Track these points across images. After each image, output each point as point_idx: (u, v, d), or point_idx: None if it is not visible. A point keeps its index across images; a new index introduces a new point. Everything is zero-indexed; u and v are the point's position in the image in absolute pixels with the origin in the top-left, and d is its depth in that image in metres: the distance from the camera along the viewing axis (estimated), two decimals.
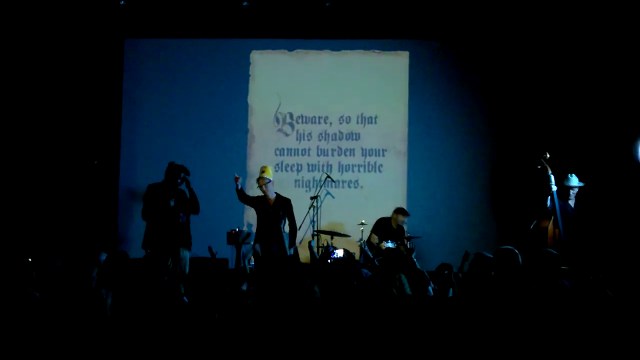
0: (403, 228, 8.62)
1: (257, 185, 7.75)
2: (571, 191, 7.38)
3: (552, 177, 7.11)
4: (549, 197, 7.09)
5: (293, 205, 7.67)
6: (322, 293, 3.98)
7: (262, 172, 7.63)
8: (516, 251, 4.51)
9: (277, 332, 3.76)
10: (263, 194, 7.63)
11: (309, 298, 3.81)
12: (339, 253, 7.52)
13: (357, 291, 4.09)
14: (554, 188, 7.07)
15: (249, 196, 7.82)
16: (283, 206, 7.57)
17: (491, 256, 4.76)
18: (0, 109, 8.92)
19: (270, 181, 7.57)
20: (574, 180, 7.40)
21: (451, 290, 5.01)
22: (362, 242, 8.33)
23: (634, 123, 8.07)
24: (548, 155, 7.24)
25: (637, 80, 8.19)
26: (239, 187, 7.61)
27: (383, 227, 8.50)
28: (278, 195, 7.68)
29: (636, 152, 7.81)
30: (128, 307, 3.87)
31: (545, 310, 3.94)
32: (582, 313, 4.04)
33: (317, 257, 7.62)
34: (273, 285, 4.30)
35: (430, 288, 5.26)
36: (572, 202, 7.41)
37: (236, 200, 8.95)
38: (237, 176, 7.62)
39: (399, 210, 8.59)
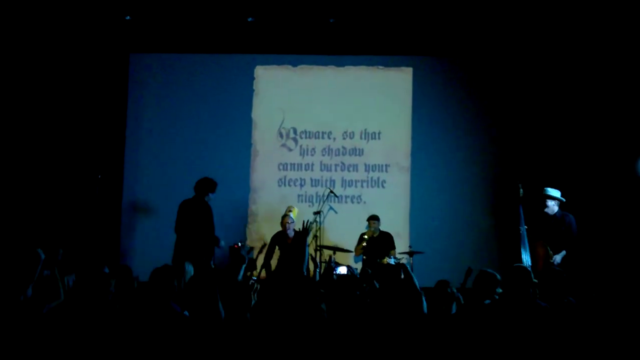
0: (389, 234, 8.57)
1: (281, 221, 8.25)
2: (548, 201, 7.40)
3: (523, 216, 7.24)
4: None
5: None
6: (328, 310, 3.98)
7: (289, 211, 8.27)
8: (529, 269, 4.50)
9: (279, 347, 3.75)
10: (282, 230, 8.21)
11: (316, 316, 3.81)
12: (342, 270, 7.52)
13: (363, 308, 4.08)
14: (524, 230, 7.18)
15: (270, 246, 8.24)
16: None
17: (494, 273, 4.77)
18: (5, 121, 8.96)
19: (293, 222, 8.17)
20: (554, 191, 7.45)
21: (454, 306, 4.99)
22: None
23: (636, 140, 8.11)
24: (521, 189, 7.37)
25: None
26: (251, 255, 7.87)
27: (367, 242, 8.47)
28: (296, 232, 7.95)
29: (638, 168, 7.85)
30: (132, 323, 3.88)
31: (553, 328, 3.93)
32: (587, 330, 4.04)
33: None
34: (277, 301, 4.28)
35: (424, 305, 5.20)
36: (550, 210, 7.42)
37: (239, 215, 9.01)
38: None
39: (369, 218, 8.59)
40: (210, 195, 7.58)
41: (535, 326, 3.95)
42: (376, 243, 8.43)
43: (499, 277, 4.75)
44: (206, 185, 7.55)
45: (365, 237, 8.46)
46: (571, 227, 7.37)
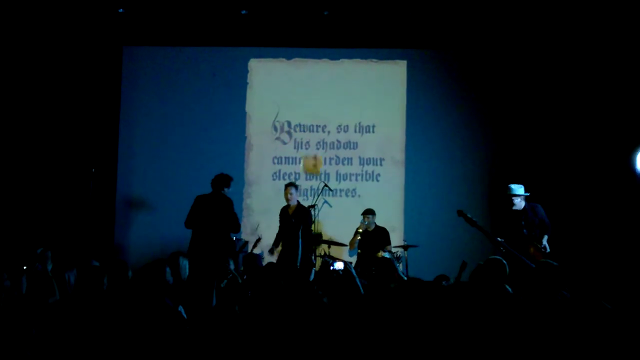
0: (384, 229, 8.56)
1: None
2: (514, 199, 7.45)
3: (490, 231, 7.14)
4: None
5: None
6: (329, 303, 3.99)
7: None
8: (504, 261, 4.52)
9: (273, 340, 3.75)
10: (286, 203, 8.14)
11: (318, 309, 3.81)
12: (339, 265, 7.50)
13: (359, 301, 4.09)
14: (503, 242, 7.06)
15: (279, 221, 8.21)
16: (300, 214, 7.95)
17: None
18: None
19: (295, 194, 8.12)
20: (518, 189, 7.48)
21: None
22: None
23: (632, 135, 8.12)
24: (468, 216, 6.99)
25: (635, 92, 8.25)
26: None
27: (362, 237, 8.48)
28: (299, 203, 8.12)
29: (635, 163, 7.88)
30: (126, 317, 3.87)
31: (543, 322, 3.94)
32: (581, 325, 4.04)
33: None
34: (269, 295, 4.29)
35: None
36: (518, 206, 7.46)
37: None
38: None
39: (363, 212, 8.53)
40: (226, 189, 7.56)
41: (509, 317, 3.96)
42: (371, 237, 8.43)
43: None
44: (222, 181, 7.56)
45: (360, 230, 8.46)
46: (544, 216, 7.51)
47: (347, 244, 8.56)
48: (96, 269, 4.26)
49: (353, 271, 4.98)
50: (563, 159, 8.84)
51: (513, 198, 7.48)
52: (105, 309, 3.92)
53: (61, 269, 5.46)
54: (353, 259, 8.65)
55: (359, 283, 4.57)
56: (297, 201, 8.14)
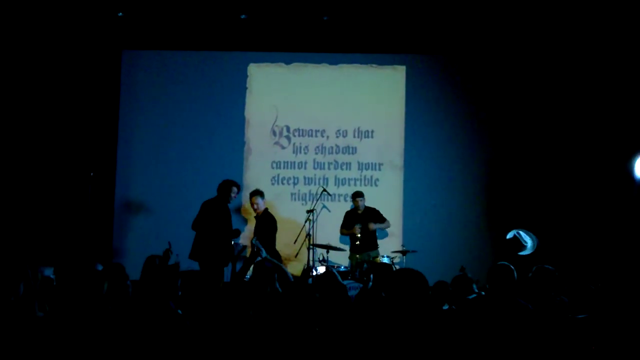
0: (374, 209, 8.63)
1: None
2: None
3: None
4: None
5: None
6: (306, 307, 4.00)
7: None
8: (512, 267, 4.52)
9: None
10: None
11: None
12: (321, 269, 7.51)
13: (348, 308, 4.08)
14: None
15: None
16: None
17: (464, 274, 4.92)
18: None
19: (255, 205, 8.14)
20: (529, 246, 7.22)
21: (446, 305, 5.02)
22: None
23: (631, 141, 8.14)
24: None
25: (633, 99, 8.27)
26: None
27: (350, 217, 8.59)
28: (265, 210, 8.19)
29: (633, 169, 7.89)
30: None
31: (543, 327, 3.94)
32: (579, 329, 4.05)
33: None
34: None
35: None
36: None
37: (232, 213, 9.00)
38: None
39: (353, 195, 8.68)
40: (227, 196, 7.73)
41: (516, 323, 3.95)
42: (363, 220, 8.44)
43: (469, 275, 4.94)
44: (223, 187, 7.77)
45: (356, 234, 8.44)
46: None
47: (345, 248, 8.57)
48: (98, 273, 4.26)
49: (335, 272, 5.02)
50: (561, 164, 8.85)
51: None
52: (105, 313, 3.92)
53: (63, 272, 5.45)
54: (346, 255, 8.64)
55: (342, 282, 4.57)
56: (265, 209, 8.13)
